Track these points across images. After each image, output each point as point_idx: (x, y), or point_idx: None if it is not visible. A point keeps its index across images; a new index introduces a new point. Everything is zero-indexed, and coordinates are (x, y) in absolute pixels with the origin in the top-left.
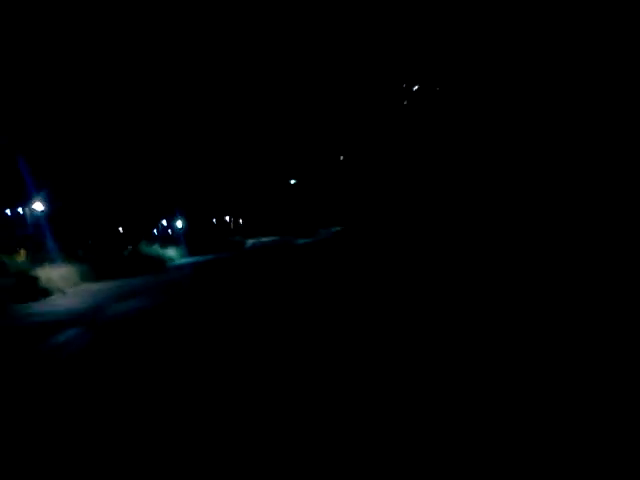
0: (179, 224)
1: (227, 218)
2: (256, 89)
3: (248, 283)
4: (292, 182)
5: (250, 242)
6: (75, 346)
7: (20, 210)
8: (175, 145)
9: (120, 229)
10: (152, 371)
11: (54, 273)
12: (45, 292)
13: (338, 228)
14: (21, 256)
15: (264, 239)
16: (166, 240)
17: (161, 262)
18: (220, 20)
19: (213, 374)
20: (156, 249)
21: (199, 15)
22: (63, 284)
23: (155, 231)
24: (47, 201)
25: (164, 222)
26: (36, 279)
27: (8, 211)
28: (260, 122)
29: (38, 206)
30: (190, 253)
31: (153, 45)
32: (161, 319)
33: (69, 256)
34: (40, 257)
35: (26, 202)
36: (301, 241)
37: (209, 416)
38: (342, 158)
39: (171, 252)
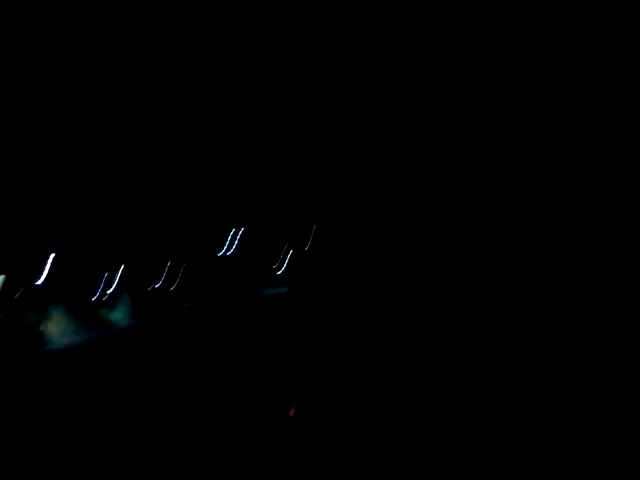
0: (118, 287)
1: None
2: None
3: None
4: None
5: (186, 304)
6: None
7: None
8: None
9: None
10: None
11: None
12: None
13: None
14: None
15: (200, 300)
16: (108, 303)
17: (112, 322)
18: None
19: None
20: (105, 312)
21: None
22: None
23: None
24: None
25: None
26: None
27: None
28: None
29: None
30: (133, 314)
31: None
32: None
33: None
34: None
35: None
36: (241, 302)
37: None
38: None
39: (117, 313)
